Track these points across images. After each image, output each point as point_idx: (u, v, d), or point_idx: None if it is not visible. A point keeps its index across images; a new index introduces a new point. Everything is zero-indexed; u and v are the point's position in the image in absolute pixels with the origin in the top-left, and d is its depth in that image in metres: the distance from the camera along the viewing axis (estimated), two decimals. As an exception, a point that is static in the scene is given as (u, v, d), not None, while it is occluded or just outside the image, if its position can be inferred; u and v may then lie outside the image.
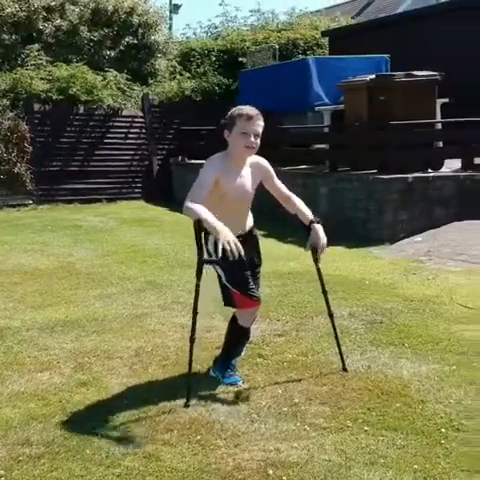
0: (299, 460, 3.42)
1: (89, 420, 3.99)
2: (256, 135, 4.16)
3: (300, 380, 4.49)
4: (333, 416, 3.93)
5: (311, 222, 4.36)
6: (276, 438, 3.68)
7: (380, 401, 4.12)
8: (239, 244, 3.78)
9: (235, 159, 4.25)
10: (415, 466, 3.33)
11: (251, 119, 4.13)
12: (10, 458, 3.55)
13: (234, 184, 4.22)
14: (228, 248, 3.73)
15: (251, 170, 4.31)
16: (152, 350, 5.23)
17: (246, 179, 4.29)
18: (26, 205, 15.00)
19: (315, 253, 4.42)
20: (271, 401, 4.15)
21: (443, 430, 3.71)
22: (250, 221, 4.48)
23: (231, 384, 4.40)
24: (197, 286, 4.15)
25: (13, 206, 14.77)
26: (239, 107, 4.24)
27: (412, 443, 3.58)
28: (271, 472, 3.33)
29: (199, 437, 3.72)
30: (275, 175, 4.47)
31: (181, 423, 3.89)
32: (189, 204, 3.97)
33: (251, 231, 4.49)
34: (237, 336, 4.56)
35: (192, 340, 4.22)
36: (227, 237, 3.76)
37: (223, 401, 4.17)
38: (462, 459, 3.38)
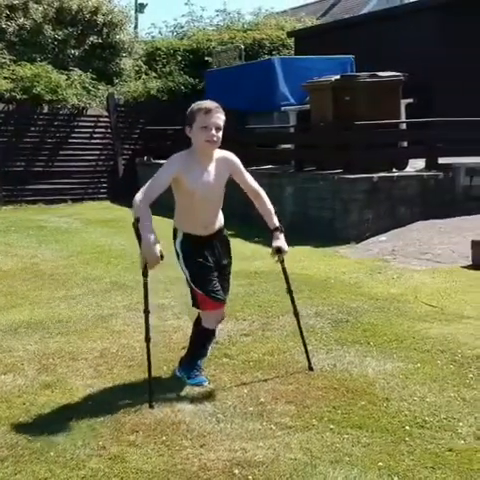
0: (265, 459, 3.42)
1: (53, 422, 3.94)
2: (217, 128, 4.09)
3: (266, 380, 4.49)
4: (299, 415, 3.94)
5: (275, 229, 4.38)
6: (242, 438, 3.68)
7: (345, 399, 4.15)
8: (154, 266, 4.00)
9: (199, 155, 4.20)
10: (380, 463, 3.34)
11: (210, 112, 4.07)
12: (-27, 462, 3.50)
13: (200, 180, 4.17)
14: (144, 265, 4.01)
15: (217, 165, 4.24)
16: (117, 351, 5.20)
17: (212, 175, 4.21)
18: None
19: (278, 256, 4.45)
20: (237, 401, 4.15)
21: (407, 427, 3.74)
22: (220, 220, 4.43)
23: (196, 385, 4.38)
24: (145, 284, 4.14)
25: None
26: (197, 102, 4.19)
27: (377, 441, 3.60)
28: (237, 472, 3.32)
29: (165, 438, 3.70)
30: (244, 169, 4.40)
31: (146, 424, 3.87)
32: (137, 199, 3.99)
33: (221, 231, 4.46)
34: (202, 338, 4.54)
35: (147, 339, 4.20)
36: (147, 257, 3.96)
37: (189, 401, 4.15)
38: (426, 456, 3.41)
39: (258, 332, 5.59)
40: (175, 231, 4.36)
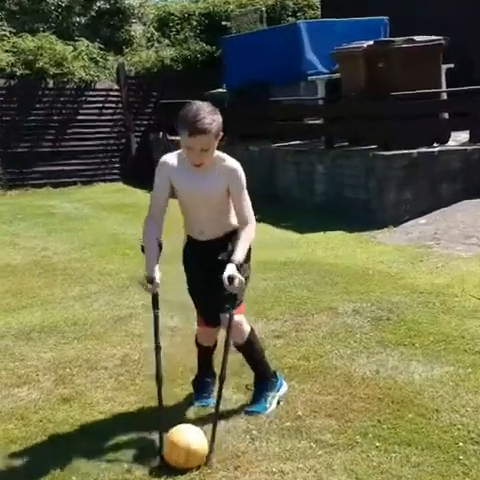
0: (306, 483, 3.41)
1: (73, 442, 3.96)
2: (202, 150, 3.87)
3: (303, 389, 4.46)
4: (341, 431, 3.91)
5: (230, 261, 3.92)
6: (280, 458, 3.65)
7: (391, 411, 4.11)
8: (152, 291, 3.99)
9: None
10: (432, 486, 3.33)
11: (193, 136, 3.81)
12: (-11, 488, 3.53)
13: (190, 184, 4.02)
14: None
15: (216, 172, 4.01)
16: (139, 358, 5.19)
17: (205, 180, 4.00)
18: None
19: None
20: (272, 415, 4.13)
21: (461, 444, 3.70)
22: (225, 228, 4.12)
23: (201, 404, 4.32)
24: (155, 317, 4.01)
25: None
26: (187, 111, 3.84)
27: (428, 460, 3.56)
28: (276, 498, 3.32)
29: (195, 459, 3.69)
30: (241, 192, 4.05)
31: (175, 443, 3.86)
32: (144, 224, 4.06)
33: (225, 238, 4.10)
34: (197, 351, 4.57)
35: (158, 378, 3.98)
36: (145, 282, 3.99)
37: (220, 417, 4.08)
38: (483, 477, 3.39)
39: (291, 333, 5.55)
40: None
